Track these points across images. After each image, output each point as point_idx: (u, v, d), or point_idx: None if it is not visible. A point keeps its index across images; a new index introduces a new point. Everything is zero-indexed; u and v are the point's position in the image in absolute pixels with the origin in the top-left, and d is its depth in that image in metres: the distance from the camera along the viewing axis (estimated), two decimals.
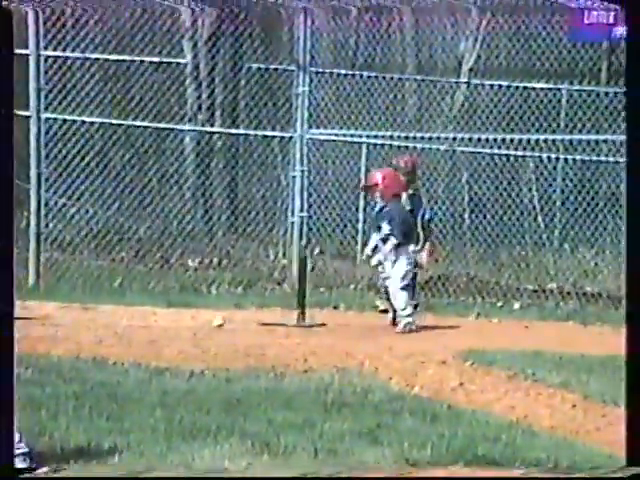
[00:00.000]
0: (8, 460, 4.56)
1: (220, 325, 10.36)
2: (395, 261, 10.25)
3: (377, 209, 10.69)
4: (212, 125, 14.66)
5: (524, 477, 5.60)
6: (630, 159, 5.32)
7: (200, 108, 14.73)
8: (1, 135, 4.62)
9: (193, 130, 14.40)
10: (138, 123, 13.74)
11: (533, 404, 7.29)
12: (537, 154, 13.57)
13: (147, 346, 8.96)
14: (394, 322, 10.36)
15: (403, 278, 10.22)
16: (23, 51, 12.37)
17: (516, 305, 12.24)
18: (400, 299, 10.22)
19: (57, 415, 6.45)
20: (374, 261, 10.50)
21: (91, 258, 13.22)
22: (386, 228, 10.29)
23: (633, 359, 5.04)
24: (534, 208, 13.69)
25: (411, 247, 10.33)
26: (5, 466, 4.59)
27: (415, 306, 10.41)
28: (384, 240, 10.31)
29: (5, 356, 4.75)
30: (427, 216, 11.02)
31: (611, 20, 12.04)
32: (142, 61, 14.03)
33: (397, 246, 10.25)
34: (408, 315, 10.22)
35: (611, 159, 13.13)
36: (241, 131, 14.42)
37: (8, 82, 4.75)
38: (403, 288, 10.22)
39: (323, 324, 10.53)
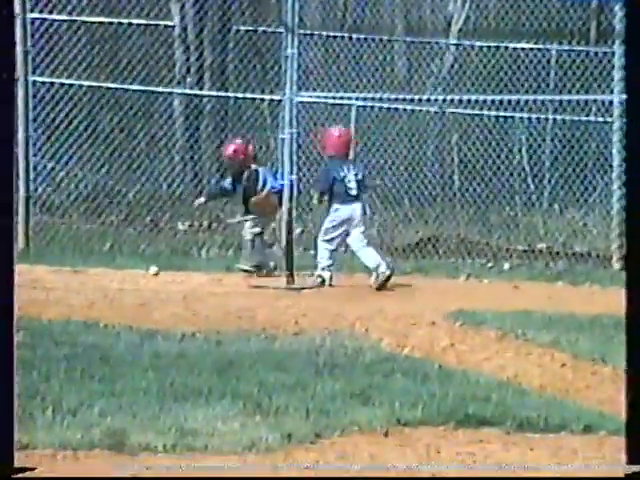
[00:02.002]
0: (7, 459, 4.56)
1: (156, 274, 10.56)
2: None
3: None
4: (201, 88, 14.60)
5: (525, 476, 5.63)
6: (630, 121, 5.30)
7: (189, 71, 14.67)
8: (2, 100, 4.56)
9: (182, 93, 14.34)
10: (126, 86, 13.67)
11: (523, 363, 7.32)
12: (526, 115, 13.55)
13: (138, 309, 8.96)
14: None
15: (324, 233, 10.63)
16: None
17: (506, 265, 12.26)
18: (319, 251, 10.63)
19: (49, 378, 6.46)
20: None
21: (81, 222, 13.20)
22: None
23: (633, 354, 5.03)
24: (523, 169, 13.69)
25: (335, 205, 10.61)
26: (4, 464, 4.59)
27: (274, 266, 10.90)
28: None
29: (5, 356, 4.75)
30: (268, 186, 11.28)
31: None
32: (130, 24, 13.94)
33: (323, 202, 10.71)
34: (322, 268, 10.49)
35: (600, 119, 13.12)
36: (230, 94, 14.36)
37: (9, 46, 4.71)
38: (323, 241, 10.64)
39: (313, 286, 10.55)
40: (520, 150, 13.76)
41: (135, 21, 13.90)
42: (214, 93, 14.42)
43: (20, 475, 4.72)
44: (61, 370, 6.63)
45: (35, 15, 12.90)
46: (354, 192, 10.62)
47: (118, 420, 5.73)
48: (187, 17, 14.69)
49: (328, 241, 10.62)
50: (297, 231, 12.04)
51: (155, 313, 8.79)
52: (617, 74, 12.25)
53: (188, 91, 14.40)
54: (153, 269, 10.98)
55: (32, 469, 4.87)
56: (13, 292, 4.69)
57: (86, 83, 13.55)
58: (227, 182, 11.61)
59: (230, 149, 11.56)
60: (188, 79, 14.57)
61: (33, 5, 12.88)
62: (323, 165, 11.14)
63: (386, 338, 8.01)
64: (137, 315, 8.67)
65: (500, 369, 7.16)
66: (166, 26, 14.33)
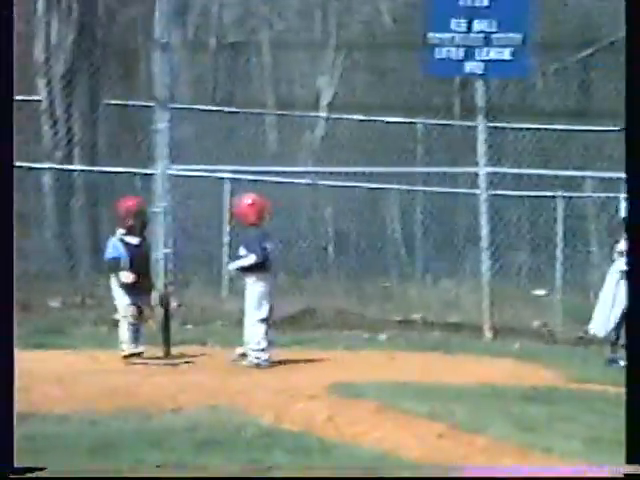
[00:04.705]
0: (6, 460, 4.42)
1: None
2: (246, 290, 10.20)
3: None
4: (71, 163, 14.47)
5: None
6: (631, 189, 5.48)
7: (57, 146, 14.53)
8: None
9: (50, 168, 14.19)
10: None
11: (401, 435, 7.38)
12: (396, 186, 13.83)
13: None
14: (243, 354, 10.31)
15: (256, 312, 10.11)
16: None
17: (382, 336, 12.40)
18: (254, 333, 10.10)
19: None
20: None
21: None
22: (242, 252, 10.24)
23: (633, 355, 5.20)
24: (396, 240, 13.93)
25: (253, 277, 10.14)
26: (4, 464, 4.44)
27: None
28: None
29: (3, 354, 4.62)
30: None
31: (461, 56, 12.38)
32: None
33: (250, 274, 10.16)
34: (260, 349, 10.14)
35: (468, 190, 13.47)
36: (101, 168, 14.27)
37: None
38: (258, 321, 10.11)
39: (191, 361, 10.48)
40: (392, 221, 14.01)
41: None
42: (84, 167, 14.31)
43: (20, 475, 4.58)
44: None
45: None
46: (271, 262, 10.32)
47: None
48: (54, 91, 14.60)
49: (263, 320, 10.09)
50: (173, 305, 11.96)
51: (29, 394, 8.59)
52: (481, 147, 12.62)
53: (57, 166, 14.25)
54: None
55: (33, 469, 4.73)
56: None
57: None
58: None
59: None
60: (57, 154, 14.43)
61: None
62: (245, 234, 10.40)
63: (266, 412, 7.99)
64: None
65: (378, 441, 7.21)
66: (32, 101, 14.22)
